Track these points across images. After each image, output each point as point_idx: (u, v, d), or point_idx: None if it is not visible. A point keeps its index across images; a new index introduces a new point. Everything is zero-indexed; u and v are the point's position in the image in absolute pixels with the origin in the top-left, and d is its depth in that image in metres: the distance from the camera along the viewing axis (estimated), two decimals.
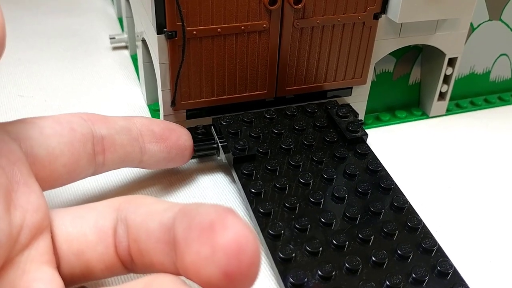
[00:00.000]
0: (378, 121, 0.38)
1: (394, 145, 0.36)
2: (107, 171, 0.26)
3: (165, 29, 0.28)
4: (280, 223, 0.24)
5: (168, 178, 0.31)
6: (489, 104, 0.41)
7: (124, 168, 0.30)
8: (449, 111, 0.40)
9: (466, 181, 0.33)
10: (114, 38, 0.45)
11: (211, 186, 0.31)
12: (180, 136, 0.28)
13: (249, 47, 0.30)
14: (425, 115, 0.40)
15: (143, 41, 0.35)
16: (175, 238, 0.17)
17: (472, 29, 0.38)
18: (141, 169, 0.31)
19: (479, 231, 0.29)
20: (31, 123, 0.22)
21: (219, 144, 0.30)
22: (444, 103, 0.39)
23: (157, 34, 0.28)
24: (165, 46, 0.29)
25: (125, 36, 0.45)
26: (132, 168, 0.31)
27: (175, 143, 0.28)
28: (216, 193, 0.30)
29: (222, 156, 0.30)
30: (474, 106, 0.41)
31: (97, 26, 0.51)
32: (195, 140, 0.31)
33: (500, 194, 0.32)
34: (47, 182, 0.22)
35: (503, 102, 0.42)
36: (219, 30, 0.29)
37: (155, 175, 0.32)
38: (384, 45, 0.34)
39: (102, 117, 0.25)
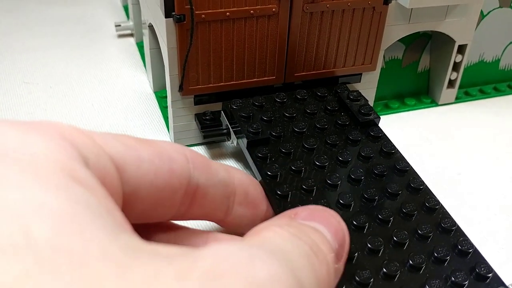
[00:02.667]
0: (387, 109, 0.38)
1: (403, 133, 0.36)
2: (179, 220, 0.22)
3: (174, 13, 0.28)
4: (299, 205, 0.24)
5: None
6: (498, 92, 0.41)
7: None
8: (458, 99, 0.40)
9: (476, 168, 0.33)
10: (119, 25, 0.45)
11: None
12: (269, 206, 0.25)
13: (258, 32, 0.30)
14: (434, 102, 0.39)
15: (150, 27, 0.35)
16: None
17: (482, 16, 0.38)
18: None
19: (490, 218, 0.29)
20: (132, 150, 0.17)
21: (231, 129, 0.29)
22: (454, 91, 0.39)
23: (166, 18, 0.28)
24: (173, 30, 0.28)
25: (131, 23, 0.45)
26: None
27: (262, 213, 0.24)
28: None
29: (234, 141, 0.29)
30: (484, 94, 0.41)
31: (102, 14, 0.50)
32: (203, 125, 0.31)
33: (510, 181, 0.32)
34: None
35: None
36: (227, 14, 0.28)
37: None
38: (394, 31, 0.34)
39: (204, 161, 0.21)
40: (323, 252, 0.17)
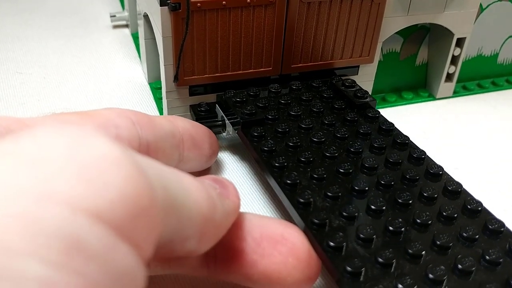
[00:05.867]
0: (385, 102, 0.37)
1: (401, 127, 0.35)
2: None
3: (169, 1, 0.27)
4: (295, 173, 0.23)
5: None
6: (496, 86, 0.41)
7: None
8: (456, 93, 0.39)
9: (473, 162, 0.32)
10: (114, 16, 0.44)
11: (217, 165, 0.30)
12: (212, 143, 0.27)
13: (255, 21, 0.29)
14: (431, 96, 0.39)
15: (145, 16, 0.34)
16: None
17: (481, 9, 0.37)
18: None
19: None
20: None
21: (226, 120, 0.29)
22: (451, 85, 0.39)
23: (161, 6, 0.27)
24: (168, 18, 0.28)
25: (126, 14, 0.44)
26: None
27: (208, 151, 0.27)
28: (224, 172, 0.30)
29: (230, 131, 0.29)
30: (481, 88, 0.40)
31: (97, 4, 0.50)
32: (198, 117, 0.31)
33: (508, 176, 0.31)
34: None
35: (510, 85, 0.41)
36: (224, 2, 0.28)
37: None
38: (392, 23, 0.33)
39: (148, 119, 0.22)
40: (200, 181, 0.17)
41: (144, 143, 0.21)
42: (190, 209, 0.16)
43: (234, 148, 0.31)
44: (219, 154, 0.31)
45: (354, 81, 0.32)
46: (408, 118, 0.36)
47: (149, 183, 0.13)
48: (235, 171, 0.30)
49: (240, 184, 0.29)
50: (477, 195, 0.30)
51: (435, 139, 0.34)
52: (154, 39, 0.33)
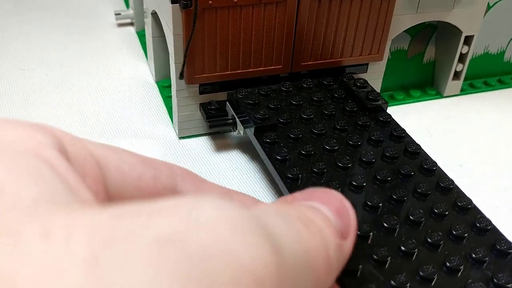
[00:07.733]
0: (392, 100, 0.37)
1: (408, 124, 0.35)
2: None
3: None
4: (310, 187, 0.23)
5: (180, 158, 0.30)
6: (503, 84, 0.41)
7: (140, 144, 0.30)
8: (463, 91, 0.39)
9: (478, 160, 0.32)
10: (119, 14, 0.44)
11: (227, 165, 0.30)
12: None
13: (266, 19, 0.29)
14: (439, 94, 0.39)
15: (153, 14, 0.34)
16: None
17: (488, 7, 0.37)
18: (154, 145, 0.31)
19: (491, 210, 0.28)
20: (114, 151, 0.18)
21: (237, 118, 0.29)
22: (459, 83, 0.38)
23: (172, 3, 0.27)
24: (179, 16, 0.28)
25: (131, 12, 0.44)
26: (144, 144, 0.31)
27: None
28: (235, 172, 0.30)
29: (240, 130, 0.29)
30: (488, 86, 0.40)
31: (101, 2, 0.49)
32: (208, 115, 0.30)
33: None
34: None
35: None
36: (235, 0, 0.28)
37: (168, 155, 0.31)
38: (402, 20, 0.33)
39: (197, 178, 0.20)
40: (316, 225, 0.16)
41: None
42: (307, 280, 0.15)
43: (245, 147, 0.31)
44: (229, 152, 0.31)
45: (366, 81, 0.31)
46: (416, 116, 0.36)
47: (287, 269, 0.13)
48: (245, 171, 0.30)
49: (250, 184, 0.29)
50: (480, 193, 0.30)
51: (442, 137, 0.34)
52: (162, 37, 0.33)
